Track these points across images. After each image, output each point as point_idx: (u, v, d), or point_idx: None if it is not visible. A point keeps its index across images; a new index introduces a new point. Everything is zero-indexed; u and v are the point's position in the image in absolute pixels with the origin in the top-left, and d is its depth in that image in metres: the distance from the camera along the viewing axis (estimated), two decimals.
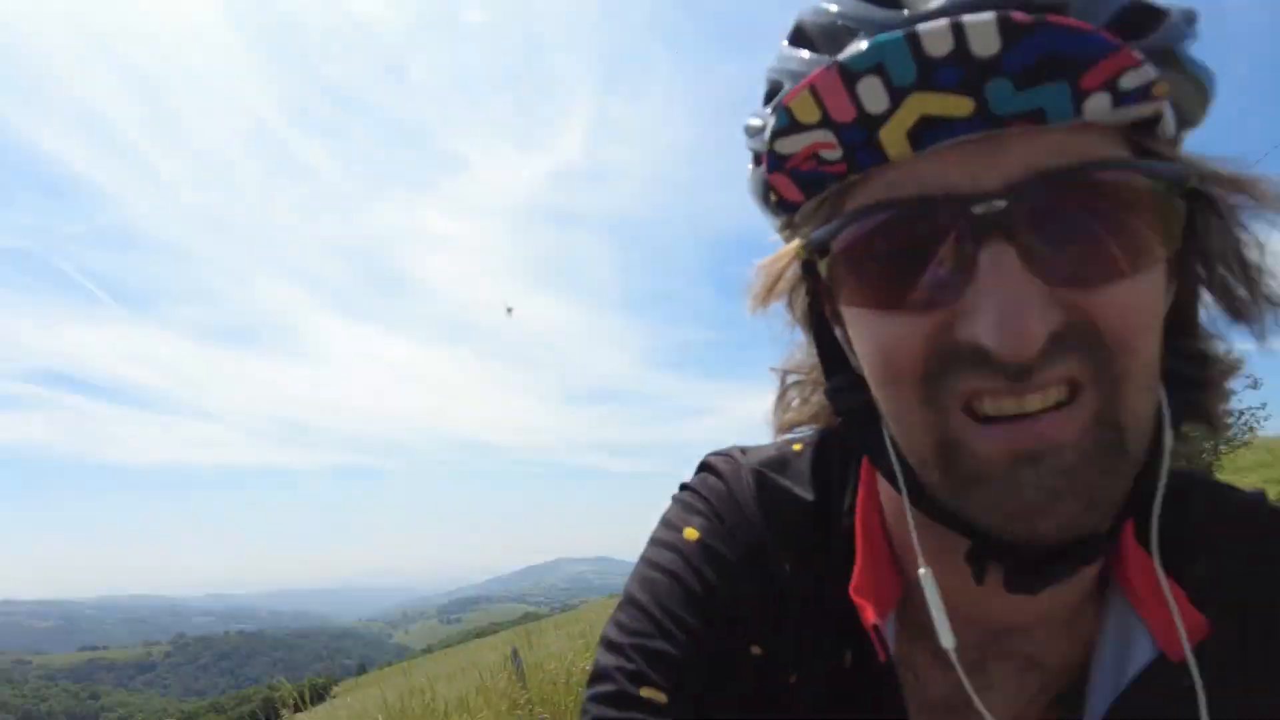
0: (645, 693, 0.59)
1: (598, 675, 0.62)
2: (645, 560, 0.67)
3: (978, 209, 0.44)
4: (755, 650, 0.63)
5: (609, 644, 0.64)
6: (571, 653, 7.20)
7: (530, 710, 5.79)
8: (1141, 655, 0.56)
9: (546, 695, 6.10)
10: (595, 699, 0.61)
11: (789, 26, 0.53)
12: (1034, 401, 0.45)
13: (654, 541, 0.69)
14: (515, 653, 6.84)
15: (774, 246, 0.60)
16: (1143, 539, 0.55)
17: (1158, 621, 0.55)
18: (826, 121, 0.47)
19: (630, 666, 0.60)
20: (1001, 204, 0.44)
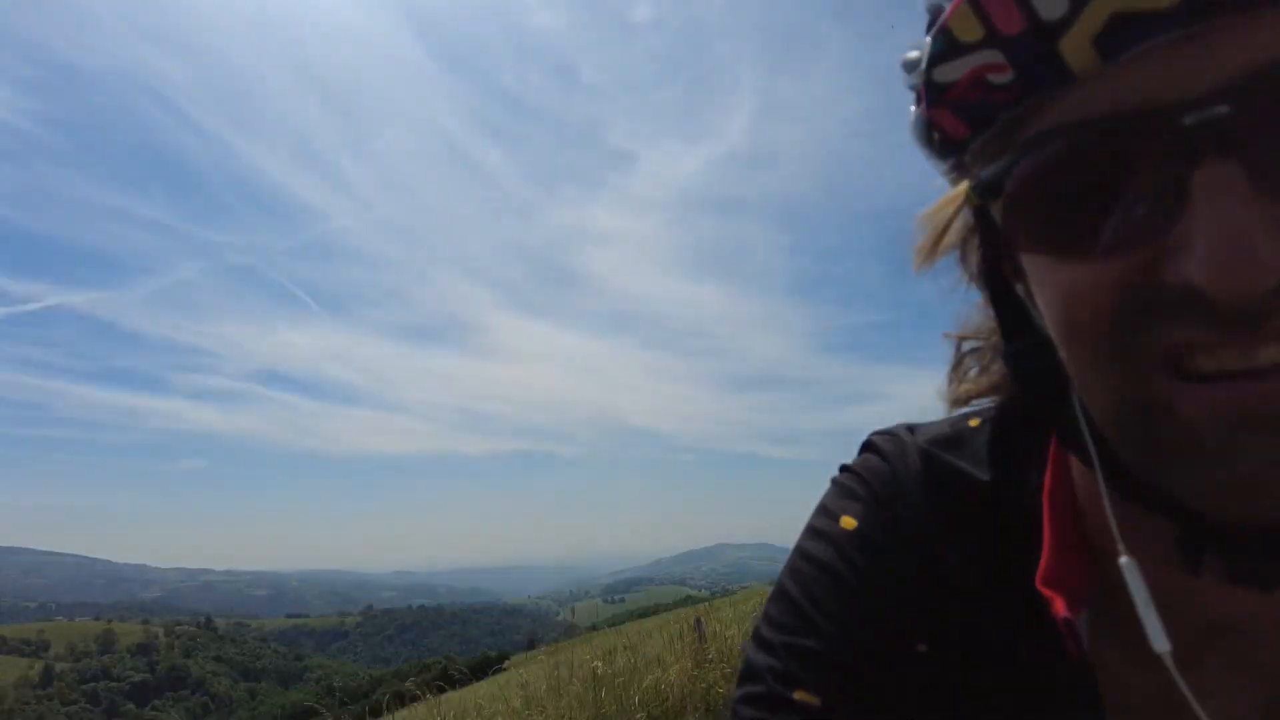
0: (798, 696, 0.54)
1: (748, 674, 0.57)
2: (799, 551, 0.61)
3: (1189, 119, 0.34)
4: (920, 648, 0.55)
5: (759, 640, 0.58)
6: (748, 622, 8.59)
7: (713, 665, 6.81)
8: None
9: (725, 656, 7.03)
10: (745, 700, 0.56)
11: None
12: (1268, 354, 0.35)
13: (809, 530, 0.62)
14: (699, 621, 7.99)
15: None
16: None
17: None
18: (992, 38, 0.39)
19: (780, 666, 0.55)
20: (1221, 110, 0.34)
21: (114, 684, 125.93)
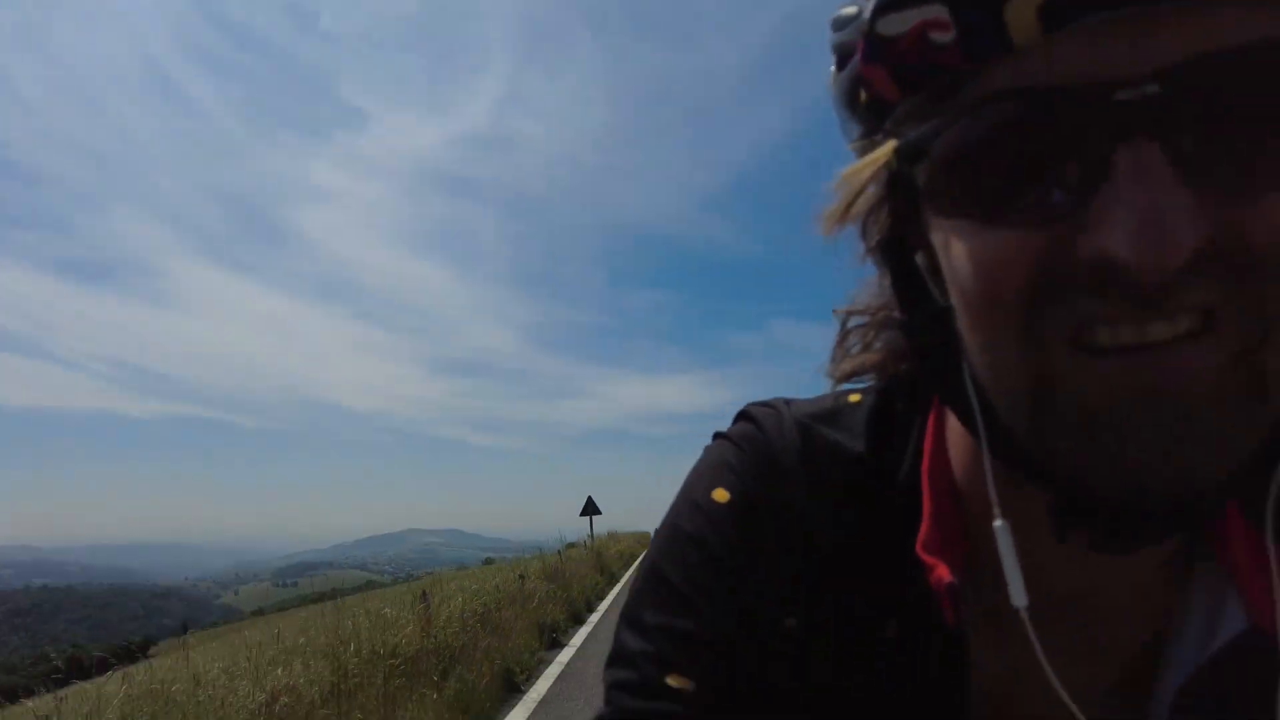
0: (672, 681, 0.52)
1: (619, 658, 0.55)
2: (669, 525, 0.59)
3: (1120, 96, 0.34)
4: (789, 623, 0.55)
5: (630, 621, 0.56)
6: (468, 594, 10.77)
7: (444, 626, 8.10)
8: (1231, 628, 0.49)
9: (451, 621, 8.44)
10: (617, 686, 0.54)
11: None
12: (1159, 330, 0.36)
13: (681, 502, 0.59)
14: (425, 594, 9.07)
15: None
16: (1249, 504, 0.47)
17: (1255, 594, 0.47)
18: None
19: (653, 649, 0.53)
20: (1152, 89, 0.34)
21: None
